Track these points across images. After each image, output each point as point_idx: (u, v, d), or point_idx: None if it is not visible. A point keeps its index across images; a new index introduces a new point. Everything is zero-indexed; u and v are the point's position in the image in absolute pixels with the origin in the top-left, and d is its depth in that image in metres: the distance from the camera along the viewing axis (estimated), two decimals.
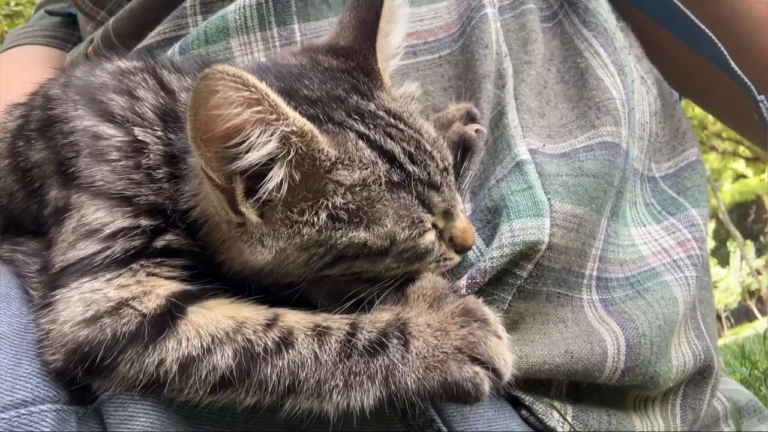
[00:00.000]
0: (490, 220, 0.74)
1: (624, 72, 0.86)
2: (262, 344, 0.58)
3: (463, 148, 0.78)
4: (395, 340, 0.59)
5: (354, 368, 0.58)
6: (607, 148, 0.78)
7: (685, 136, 0.98)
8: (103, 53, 0.98)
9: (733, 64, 0.93)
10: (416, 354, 0.59)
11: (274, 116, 0.55)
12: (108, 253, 0.62)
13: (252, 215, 0.58)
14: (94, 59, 0.74)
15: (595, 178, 0.76)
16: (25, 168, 0.70)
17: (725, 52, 0.92)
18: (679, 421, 0.86)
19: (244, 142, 0.55)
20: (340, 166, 0.59)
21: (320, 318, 0.61)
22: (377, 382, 0.58)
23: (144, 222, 0.63)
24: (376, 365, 0.58)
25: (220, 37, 0.84)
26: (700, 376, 0.88)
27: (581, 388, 0.78)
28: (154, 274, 0.63)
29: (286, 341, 0.58)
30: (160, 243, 0.64)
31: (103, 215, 0.63)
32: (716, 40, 0.92)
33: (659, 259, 0.85)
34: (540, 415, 0.74)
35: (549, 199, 0.72)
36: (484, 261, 0.69)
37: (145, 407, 0.60)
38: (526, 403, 0.75)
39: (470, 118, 0.79)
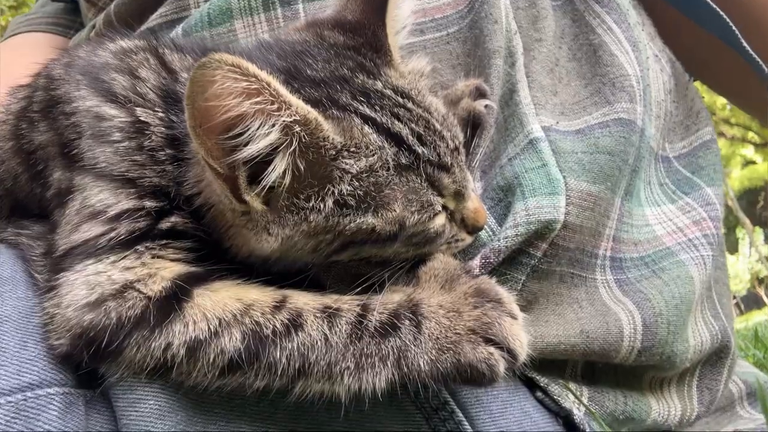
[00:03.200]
0: (501, 198, 0.72)
1: (638, 48, 0.84)
2: (271, 326, 0.57)
3: (473, 125, 0.76)
4: (407, 322, 0.58)
5: (365, 350, 0.57)
6: (622, 125, 0.76)
7: (699, 115, 0.97)
8: (106, 35, 0.98)
9: (744, 43, 0.91)
10: (429, 335, 0.58)
11: (275, 106, 0.53)
12: (112, 234, 0.60)
13: (256, 203, 0.57)
14: (96, 40, 0.73)
15: (610, 155, 0.74)
16: (29, 150, 0.69)
17: (736, 30, 0.90)
18: (696, 402, 0.85)
19: (243, 133, 0.54)
20: (345, 153, 0.58)
21: (330, 299, 0.60)
22: (389, 364, 0.57)
23: (148, 203, 0.62)
24: (387, 347, 0.57)
25: (223, 19, 0.83)
26: (717, 356, 0.87)
27: (596, 369, 0.77)
28: (159, 256, 0.61)
29: (296, 323, 0.57)
30: (165, 225, 0.62)
31: (107, 196, 0.62)
32: (726, 18, 0.90)
33: (674, 239, 0.84)
34: (555, 397, 0.73)
35: (564, 177, 0.70)
36: (498, 240, 0.68)
37: (154, 390, 0.59)
38: (541, 385, 0.73)
39: (480, 93, 0.77)
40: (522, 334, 0.59)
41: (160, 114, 0.64)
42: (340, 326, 0.57)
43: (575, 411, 0.73)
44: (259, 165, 0.56)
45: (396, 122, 0.61)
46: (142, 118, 0.64)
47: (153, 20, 0.91)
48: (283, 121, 0.54)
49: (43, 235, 0.67)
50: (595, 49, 0.84)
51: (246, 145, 0.54)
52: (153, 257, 0.61)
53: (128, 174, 0.62)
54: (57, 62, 0.72)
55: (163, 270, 0.61)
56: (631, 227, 0.81)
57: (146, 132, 0.63)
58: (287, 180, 0.56)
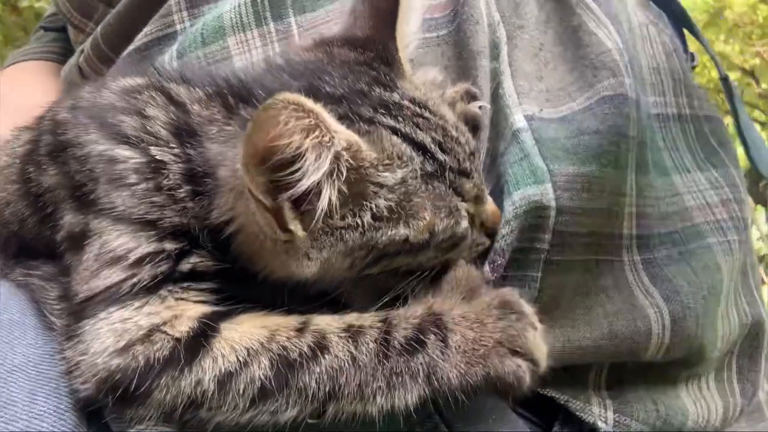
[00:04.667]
0: (498, 196, 0.72)
1: (619, 20, 0.83)
2: (297, 350, 0.56)
3: (472, 128, 0.75)
4: (432, 336, 0.58)
5: (395, 368, 0.56)
6: (607, 101, 0.75)
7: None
8: (95, 62, 0.97)
9: (704, 39, 0.93)
10: (456, 348, 0.57)
11: (327, 138, 0.53)
12: (135, 280, 0.59)
13: (299, 231, 0.57)
14: (99, 81, 0.71)
15: (597, 133, 0.73)
16: (37, 193, 0.67)
17: (698, 29, 0.93)
18: (739, 397, 0.84)
19: (299, 168, 0.53)
20: (381, 167, 0.58)
21: (352, 318, 0.59)
22: (420, 381, 0.57)
23: (168, 246, 0.61)
24: (417, 363, 0.57)
25: (216, 37, 0.82)
26: (751, 346, 0.85)
27: (624, 373, 0.76)
28: (182, 299, 0.60)
29: (321, 345, 0.57)
30: (185, 266, 0.61)
31: (126, 241, 0.60)
32: (687, 12, 0.92)
33: (703, 215, 0.82)
34: (578, 413, 0.72)
35: (547, 164, 0.69)
36: (497, 241, 0.68)
37: None
38: (561, 401, 0.72)
39: (471, 96, 0.76)
40: (543, 345, 0.61)
41: (176, 150, 0.63)
42: (366, 345, 0.57)
43: (600, 424, 0.72)
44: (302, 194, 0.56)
45: (418, 131, 0.61)
46: (157, 157, 0.62)
47: (139, 40, 0.90)
48: (334, 150, 0.54)
49: (54, 277, 0.65)
50: (575, 30, 0.82)
51: (300, 180, 0.54)
52: (177, 300, 0.60)
53: (147, 216, 0.61)
54: (61, 105, 0.70)
55: (188, 311, 0.59)
56: (656, 200, 0.79)
57: (163, 171, 0.62)
58: (327, 204, 0.56)
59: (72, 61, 1.05)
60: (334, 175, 0.55)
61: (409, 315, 0.59)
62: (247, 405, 0.56)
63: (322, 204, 0.55)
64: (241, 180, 0.55)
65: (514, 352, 0.58)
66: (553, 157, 0.70)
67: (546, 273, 0.69)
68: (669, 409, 0.77)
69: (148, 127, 0.64)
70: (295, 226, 0.56)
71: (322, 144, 0.53)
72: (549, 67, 0.81)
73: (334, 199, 0.56)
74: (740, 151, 1.01)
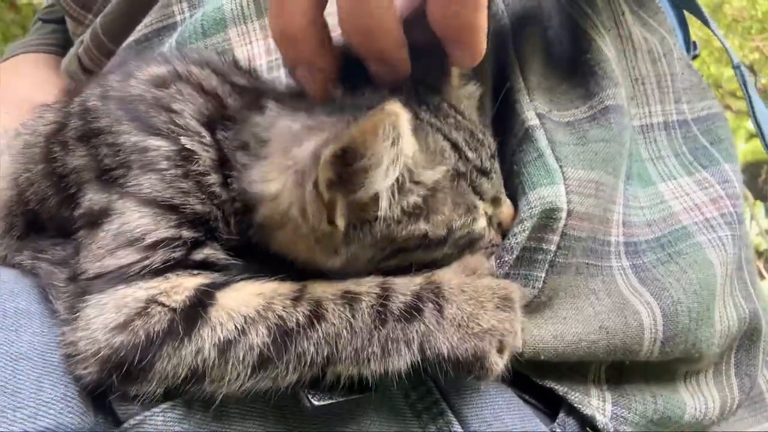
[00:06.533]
0: (511, 195, 0.73)
1: (606, 28, 0.84)
2: (294, 320, 0.57)
3: None
4: (430, 305, 0.59)
5: (391, 335, 0.57)
6: (610, 111, 0.76)
7: (707, 89, 0.95)
8: (94, 54, 0.98)
9: (715, 27, 0.93)
10: (451, 321, 0.58)
11: (404, 148, 0.55)
12: (147, 263, 0.60)
13: (343, 227, 0.58)
14: (127, 68, 0.72)
15: (604, 142, 0.74)
16: (62, 174, 0.68)
17: (709, 18, 0.93)
18: (736, 391, 0.84)
19: (374, 175, 0.55)
20: (425, 166, 0.59)
21: (350, 283, 0.60)
22: (414, 349, 0.58)
23: (186, 233, 0.62)
24: (412, 331, 0.58)
25: (217, 29, 0.82)
26: (749, 340, 0.85)
27: (623, 369, 0.76)
28: (182, 275, 0.61)
29: (317, 314, 0.57)
30: (198, 256, 0.62)
31: (147, 222, 0.61)
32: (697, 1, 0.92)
33: (691, 217, 0.82)
34: (576, 405, 0.73)
35: (561, 166, 0.70)
36: (508, 239, 0.68)
37: None
38: (560, 393, 0.73)
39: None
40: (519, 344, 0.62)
41: (207, 139, 0.64)
42: (362, 311, 0.58)
43: (598, 416, 0.73)
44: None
45: (453, 131, 0.62)
46: (187, 146, 0.63)
47: (139, 31, 0.90)
48: (405, 161, 0.56)
49: (64, 261, 0.66)
50: (573, 30, 0.83)
51: (368, 185, 0.55)
52: (177, 276, 0.61)
53: (173, 201, 0.62)
54: (90, 92, 0.71)
55: (186, 282, 0.60)
56: (640, 210, 0.80)
57: (192, 159, 0.63)
58: (386, 210, 0.58)
59: (72, 52, 1.05)
60: (396, 184, 0.57)
61: (408, 282, 0.60)
62: (248, 373, 0.57)
63: (383, 210, 0.57)
64: (298, 164, 0.56)
65: (500, 348, 0.59)
66: (565, 158, 0.71)
67: (548, 274, 0.69)
68: (667, 402, 0.77)
69: (176, 120, 0.65)
70: (341, 222, 0.57)
71: (399, 156, 0.55)
72: (550, 67, 0.81)
73: (387, 205, 0.57)
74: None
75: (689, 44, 1.11)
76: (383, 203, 0.57)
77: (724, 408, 0.82)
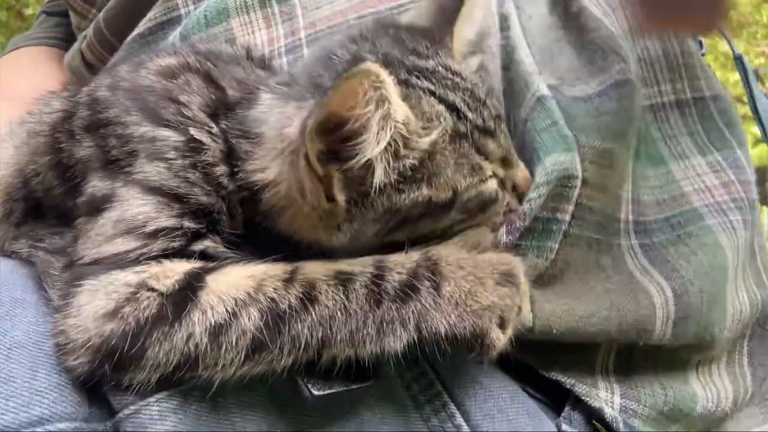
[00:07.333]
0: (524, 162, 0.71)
1: (612, 7, 0.83)
2: (286, 302, 0.56)
3: None
4: (427, 282, 0.57)
5: (386, 316, 0.56)
6: (620, 85, 0.75)
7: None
8: (97, 48, 0.98)
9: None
10: (448, 299, 0.57)
11: (392, 110, 0.54)
12: (145, 250, 0.59)
13: (343, 202, 0.57)
14: (137, 59, 0.73)
15: (615, 114, 0.73)
16: (68, 164, 0.67)
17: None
18: (749, 380, 0.82)
19: (363, 140, 0.54)
20: (421, 132, 0.58)
21: (343, 264, 0.59)
22: (410, 328, 0.56)
23: (187, 224, 0.61)
24: (408, 311, 0.56)
25: (220, 19, 0.82)
26: (762, 329, 0.84)
27: (632, 359, 0.75)
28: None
29: (310, 296, 0.56)
30: (197, 247, 0.61)
31: (149, 210, 0.60)
32: None
33: (701, 199, 0.81)
34: (583, 397, 0.71)
35: (575, 134, 0.69)
36: (522, 204, 0.67)
37: (166, 427, 0.56)
38: (567, 386, 0.71)
39: None
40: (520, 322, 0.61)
41: (214, 129, 0.64)
42: (356, 291, 0.56)
43: (606, 409, 0.71)
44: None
45: (449, 92, 0.62)
46: (196, 137, 0.63)
47: (143, 25, 0.90)
48: (394, 125, 0.54)
49: (62, 249, 0.65)
50: (578, 15, 0.82)
51: (359, 152, 0.55)
52: (172, 262, 0.60)
53: (178, 190, 0.61)
54: (99, 82, 0.71)
55: (176, 266, 0.59)
56: (650, 189, 0.79)
57: (202, 149, 0.63)
58: (381, 179, 0.57)
59: (75, 46, 1.05)
60: (390, 150, 0.56)
61: (404, 259, 0.59)
62: (242, 358, 0.55)
63: (378, 179, 0.56)
64: (291, 144, 0.56)
65: (501, 323, 0.58)
66: (578, 128, 0.70)
67: (561, 245, 0.68)
68: (678, 394, 0.75)
69: (184, 112, 0.64)
70: (341, 197, 0.56)
71: (387, 118, 0.54)
72: (556, 50, 0.81)
73: (383, 173, 0.56)
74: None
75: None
76: (378, 170, 0.56)
77: (737, 399, 0.80)
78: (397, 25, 0.69)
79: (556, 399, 0.74)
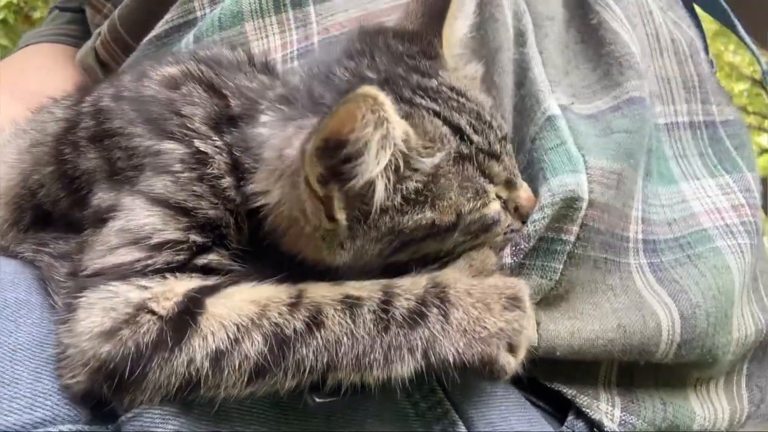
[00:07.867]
0: (528, 181, 0.71)
1: (633, 23, 0.83)
2: (291, 327, 0.56)
3: None
4: (435, 309, 0.57)
5: (393, 342, 0.56)
6: (635, 103, 0.75)
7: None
8: (111, 47, 0.97)
9: (743, 33, 0.92)
10: (457, 326, 0.57)
11: (391, 131, 0.54)
12: (149, 262, 0.59)
13: (344, 221, 0.57)
14: (141, 68, 0.73)
15: (627, 133, 0.73)
16: (73, 176, 0.67)
17: (736, 21, 0.91)
18: (746, 402, 0.82)
19: (362, 162, 0.54)
20: (423, 152, 0.58)
21: (350, 287, 0.59)
22: (418, 356, 0.56)
23: (193, 237, 0.61)
24: (416, 337, 0.56)
25: (234, 22, 0.82)
26: (763, 352, 0.84)
27: (635, 372, 0.75)
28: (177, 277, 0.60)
29: (316, 320, 0.56)
30: (201, 261, 0.61)
31: (155, 221, 0.60)
32: (726, 7, 0.91)
33: (711, 220, 0.81)
34: (584, 409, 0.71)
35: (583, 155, 0.69)
36: (527, 225, 0.67)
37: (168, 430, 0.56)
38: (569, 397, 0.71)
39: None
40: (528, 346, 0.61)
41: (218, 142, 0.64)
42: (364, 317, 0.56)
43: (606, 422, 0.71)
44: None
45: (455, 114, 0.61)
46: (201, 149, 0.63)
47: (160, 27, 0.90)
48: (394, 144, 0.55)
49: (67, 254, 0.65)
50: (596, 28, 0.82)
51: (359, 173, 0.55)
52: (176, 278, 0.59)
53: (186, 203, 0.61)
54: (103, 92, 0.70)
55: (177, 286, 0.59)
56: (661, 208, 0.79)
57: (207, 161, 0.63)
58: (382, 198, 0.57)
59: (89, 44, 1.04)
60: (391, 168, 0.56)
61: (412, 285, 0.59)
62: (245, 381, 0.55)
63: (378, 198, 0.56)
64: (292, 165, 0.55)
65: (510, 348, 0.58)
66: (587, 148, 0.70)
67: (566, 265, 0.68)
68: (677, 410, 0.75)
69: (187, 124, 0.64)
70: (341, 216, 0.56)
71: (387, 138, 0.54)
72: (572, 65, 0.81)
73: (384, 191, 0.56)
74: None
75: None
76: (379, 188, 0.56)
77: (733, 419, 0.80)
78: (385, 32, 0.69)
79: (559, 408, 0.74)
